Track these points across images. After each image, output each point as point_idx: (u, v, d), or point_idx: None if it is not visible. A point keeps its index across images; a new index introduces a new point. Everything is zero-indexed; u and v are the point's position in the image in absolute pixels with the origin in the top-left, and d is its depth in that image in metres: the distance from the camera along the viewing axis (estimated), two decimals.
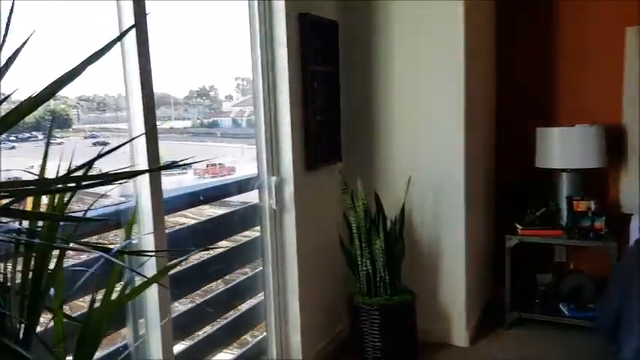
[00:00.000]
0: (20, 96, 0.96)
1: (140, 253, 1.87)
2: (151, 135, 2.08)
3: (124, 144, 1.72)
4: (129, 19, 1.97)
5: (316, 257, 3.10)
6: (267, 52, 2.77)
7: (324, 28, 3.09)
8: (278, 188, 2.83)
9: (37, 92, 0.91)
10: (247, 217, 2.92)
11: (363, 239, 3.03)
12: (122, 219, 2.07)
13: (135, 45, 1.97)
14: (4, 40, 0.89)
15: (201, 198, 2.50)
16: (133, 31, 1.94)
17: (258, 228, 2.92)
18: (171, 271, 2.37)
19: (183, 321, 2.44)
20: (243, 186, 2.82)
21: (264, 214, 2.88)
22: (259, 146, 2.82)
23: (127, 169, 1.65)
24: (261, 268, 2.97)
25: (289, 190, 2.84)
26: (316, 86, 3.02)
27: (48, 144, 1.25)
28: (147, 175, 2.08)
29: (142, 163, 2.07)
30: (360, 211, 3.04)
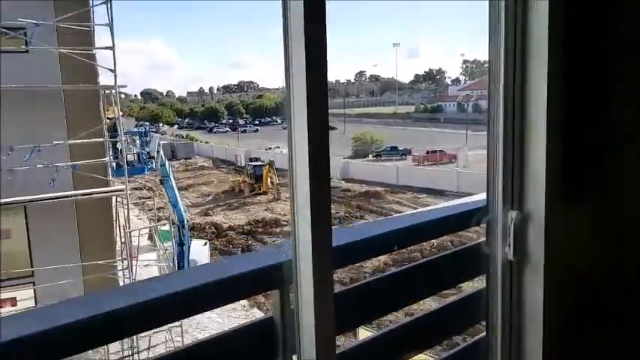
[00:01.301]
0: None
1: None
2: (317, 136, 1.36)
3: None
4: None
5: None
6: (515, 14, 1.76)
7: None
8: (519, 228, 1.80)
9: None
10: (466, 262, 1.99)
11: None
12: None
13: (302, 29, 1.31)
14: None
15: (395, 248, 1.62)
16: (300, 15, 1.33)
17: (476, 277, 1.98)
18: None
19: None
20: (461, 221, 1.86)
21: (494, 262, 1.89)
22: (493, 161, 1.82)
23: None
24: (483, 334, 2.03)
25: (537, 233, 1.79)
26: (591, 65, 1.89)
27: None
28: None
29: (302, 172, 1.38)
30: None
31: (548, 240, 1.77)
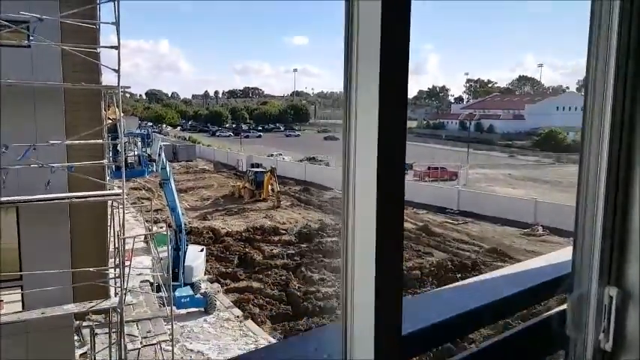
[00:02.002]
0: None
1: None
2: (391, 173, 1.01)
3: None
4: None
5: None
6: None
7: None
8: (619, 310, 1.40)
9: None
10: (538, 340, 1.58)
11: None
12: None
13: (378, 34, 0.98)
14: None
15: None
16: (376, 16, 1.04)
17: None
18: None
19: None
20: (543, 292, 1.46)
21: (580, 348, 1.48)
22: (583, 218, 1.42)
23: None
24: None
25: None
26: None
27: None
28: None
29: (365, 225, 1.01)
30: None
31: None
